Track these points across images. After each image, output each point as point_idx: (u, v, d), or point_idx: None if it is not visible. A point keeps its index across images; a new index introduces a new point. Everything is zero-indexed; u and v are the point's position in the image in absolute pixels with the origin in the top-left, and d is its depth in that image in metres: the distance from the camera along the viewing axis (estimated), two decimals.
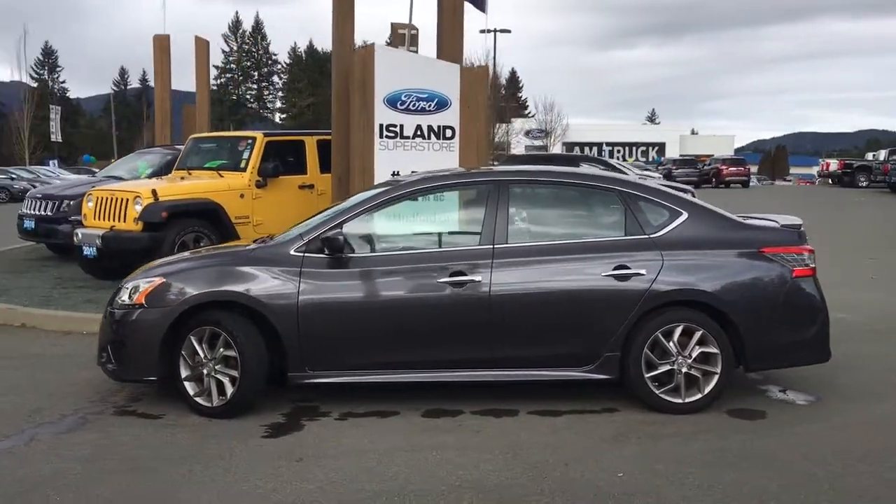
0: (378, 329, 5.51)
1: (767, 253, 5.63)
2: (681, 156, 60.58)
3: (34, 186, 20.04)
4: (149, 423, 5.39)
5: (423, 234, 6.03)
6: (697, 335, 5.48)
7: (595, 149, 72.80)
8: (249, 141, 10.90)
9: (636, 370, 5.49)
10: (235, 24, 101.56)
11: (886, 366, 6.78)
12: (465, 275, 5.48)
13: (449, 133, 9.41)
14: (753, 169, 66.34)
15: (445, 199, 6.14)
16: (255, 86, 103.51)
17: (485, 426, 5.31)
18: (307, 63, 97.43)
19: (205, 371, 5.49)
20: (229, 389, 5.43)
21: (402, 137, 9.29)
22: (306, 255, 5.54)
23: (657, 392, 5.50)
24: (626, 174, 17.75)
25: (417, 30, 11.02)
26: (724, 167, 45.70)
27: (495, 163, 25.95)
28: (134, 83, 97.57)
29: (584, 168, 15.76)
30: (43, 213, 12.52)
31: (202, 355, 5.49)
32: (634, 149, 77.96)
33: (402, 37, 10.69)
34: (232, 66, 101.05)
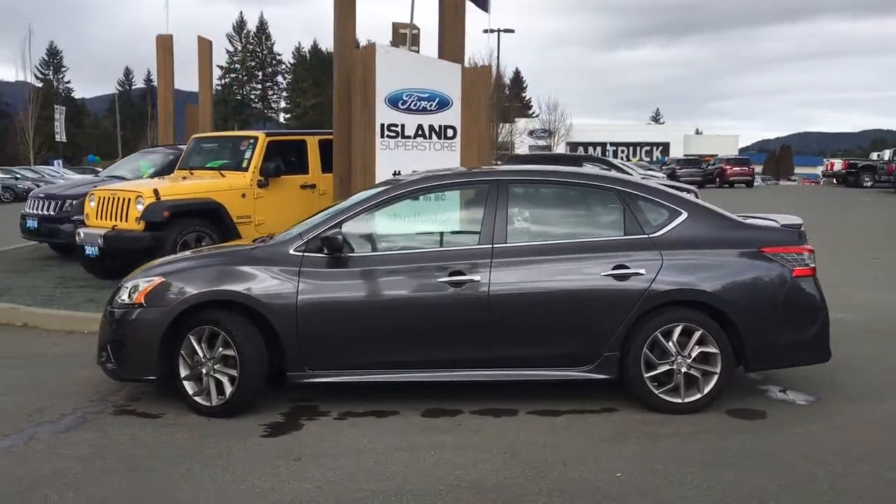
0: (377, 328, 5.51)
1: (767, 253, 5.62)
2: (685, 156, 60.51)
3: (38, 186, 20.09)
4: (148, 423, 5.40)
5: (423, 234, 6.02)
6: (697, 335, 5.47)
7: (599, 149, 72.76)
8: (251, 141, 10.91)
9: (635, 370, 5.49)
10: (240, 25, 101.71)
11: (887, 366, 6.76)
12: (465, 274, 5.47)
13: (450, 133, 9.41)
14: (758, 169, 66.31)
15: (445, 199, 6.14)
16: (259, 86, 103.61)
17: (484, 426, 5.30)
18: (311, 63, 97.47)
19: (204, 370, 5.49)
20: (228, 389, 5.43)
21: (404, 137, 9.28)
22: (305, 254, 5.54)
23: (656, 392, 5.49)
24: (629, 174, 17.79)
25: (419, 29, 11.01)
26: (728, 167, 45.68)
27: (498, 162, 25.96)
28: (139, 83, 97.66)
29: (584, 168, 15.71)
30: (45, 212, 12.56)
31: (201, 355, 5.49)
32: (638, 149, 77.92)
33: (404, 36, 10.70)
34: (236, 66, 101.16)
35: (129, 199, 9.97)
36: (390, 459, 4.71)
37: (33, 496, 4.23)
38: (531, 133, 66.48)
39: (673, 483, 4.35)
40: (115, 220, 10.07)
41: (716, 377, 5.49)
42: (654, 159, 67.61)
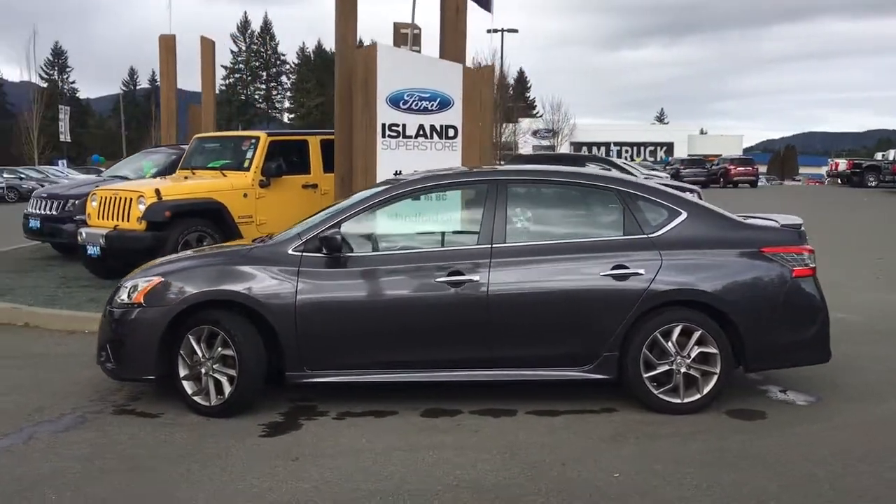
0: (376, 328, 5.51)
1: (767, 253, 5.61)
2: (689, 156, 60.45)
3: (42, 186, 20.13)
4: (147, 422, 5.40)
5: (422, 234, 6.01)
6: (696, 335, 5.46)
7: (603, 149, 72.75)
8: (253, 141, 10.91)
9: (635, 370, 5.48)
10: (244, 25, 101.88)
11: (888, 366, 6.74)
12: (463, 274, 5.47)
13: (451, 132, 9.40)
14: (762, 169, 66.16)
15: (444, 199, 6.13)
16: (263, 86, 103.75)
17: (483, 426, 5.29)
18: (315, 63, 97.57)
19: (203, 370, 5.49)
20: (227, 389, 5.43)
21: (405, 137, 9.28)
22: (304, 254, 5.54)
23: (656, 392, 5.48)
24: (633, 174, 17.77)
25: (420, 29, 11.01)
26: (732, 167, 45.63)
27: (501, 162, 25.96)
28: (143, 83, 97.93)
29: (583, 167, 15.69)
30: (48, 212, 12.58)
31: (200, 354, 5.49)
32: (642, 149, 77.89)
33: (405, 36, 10.69)
34: (241, 66, 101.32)
35: (131, 199, 9.98)
36: (388, 459, 4.71)
37: (32, 495, 4.23)
38: (535, 133, 66.54)
39: (671, 483, 4.34)
40: (117, 219, 10.08)
41: (715, 377, 5.48)
42: (658, 159, 67.55)
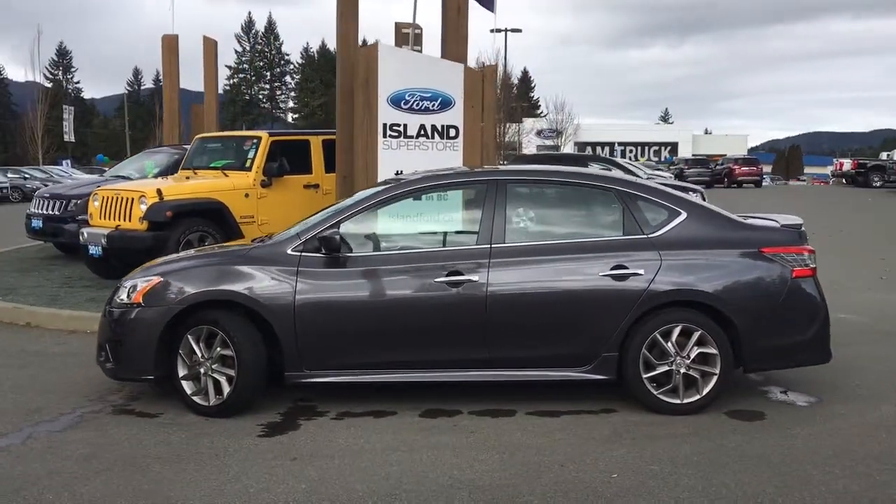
0: (375, 329, 5.50)
1: (767, 253, 5.59)
2: (693, 155, 60.39)
3: (46, 186, 20.16)
4: (146, 422, 5.40)
5: (421, 234, 6.00)
6: (696, 335, 5.45)
7: (607, 148, 72.72)
8: (254, 141, 10.92)
9: (634, 371, 5.46)
10: (248, 25, 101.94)
11: (889, 367, 6.72)
12: (462, 274, 5.46)
13: (453, 132, 9.38)
14: (767, 169, 66.09)
15: (443, 199, 6.12)
16: (267, 86, 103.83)
17: (481, 426, 5.29)
18: (319, 63, 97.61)
19: (202, 370, 5.49)
20: (226, 389, 5.43)
21: (406, 137, 9.27)
22: (303, 254, 5.54)
23: (655, 393, 5.47)
24: (636, 174, 17.74)
25: (421, 29, 11.00)
26: (736, 167, 45.56)
27: (504, 162, 25.94)
28: (148, 83, 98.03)
29: (583, 167, 15.70)
30: (50, 212, 12.60)
31: (199, 354, 5.49)
32: (647, 148, 77.81)
33: (406, 36, 10.68)
34: (245, 66, 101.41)
35: (133, 199, 9.99)
36: (386, 460, 4.70)
37: (29, 495, 4.23)
38: (539, 133, 66.46)
39: (668, 484, 4.33)
40: (119, 219, 10.09)
41: (715, 378, 5.46)
42: (662, 159, 67.47)
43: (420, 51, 10.79)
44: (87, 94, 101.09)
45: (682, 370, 5.45)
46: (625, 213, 5.70)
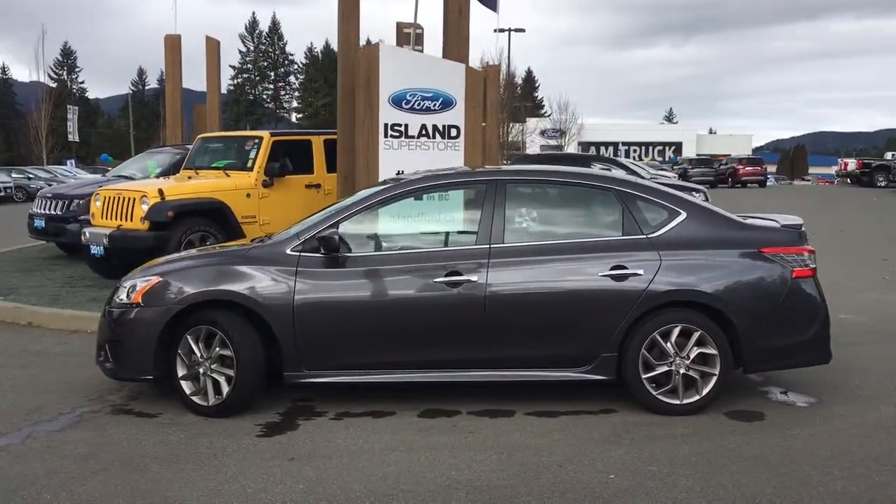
0: (374, 329, 5.50)
1: (767, 253, 5.58)
2: (697, 155, 60.32)
3: (50, 186, 20.21)
4: (145, 422, 5.41)
5: (420, 234, 6.00)
6: (695, 336, 5.43)
7: (611, 148, 72.64)
8: (256, 140, 10.92)
9: (633, 371, 5.45)
10: (252, 25, 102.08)
11: (890, 367, 6.69)
12: (462, 274, 5.46)
13: (454, 132, 9.38)
14: (772, 169, 65.97)
15: (443, 199, 6.12)
16: (271, 86, 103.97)
17: (480, 427, 5.28)
18: (323, 63, 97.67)
19: (201, 370, 5.49)
20: (225, 389, 5.43)
21: (407, 137, 9.27)
22: (302, 254, 5.54)
23: (654, 393, 5.46)
24: (640, 174, 17.73)
25: (423, 29, 10.99)
26: (740, 167, 45.50)
27: (507, 162, 25.91)
28: (152, 83, 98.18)
29: (583, 168, 15.71)
30: (52, 212, 12.63)
31: (198, 354, 5.50)
32: (651, 148, 77.69)
33: (408, 36, 10.67)
34: (249, 66, 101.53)
35: (134, 199, 10.00)
36: (384, 460, 4.70)
37: (26, 494, 4.24)
38: (543, 133, 66.40)
39: (666, 485, 4.32)
40: (120, 219, 10.10)
41: (714, 378, 5.45)
42: (666, 159, 67.39)
43: (421, 51, 10.78)
44: (91, 94, 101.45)
45: (682, 370, 5.44)
46: (624, 213, 5.69)
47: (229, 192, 10.35)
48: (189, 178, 11.10)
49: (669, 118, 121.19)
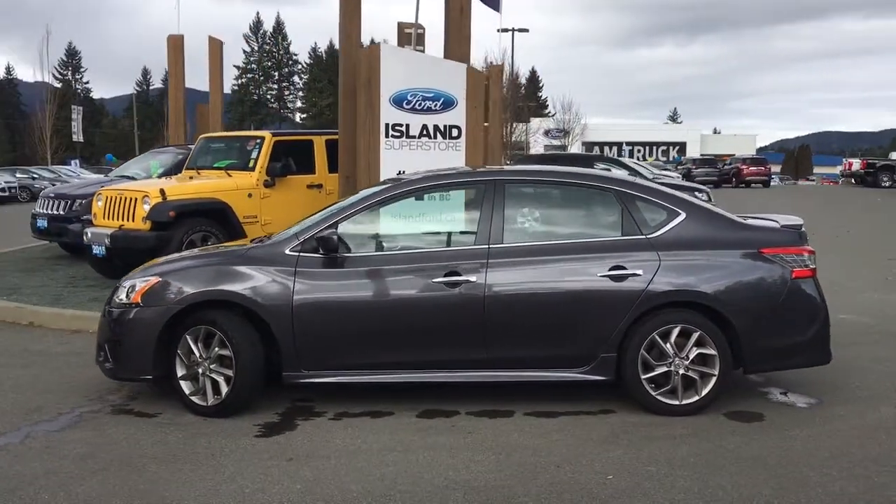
0: (373, 329, 5.50)
1: (767, 253, 5.56)
2: (701, 155, 60.25)
3: (54, 186, 20.23)
4: (144, 422, 5.41)
5: (419, 234, 6.00)
6: (695, 336, 5.42)
7: (615, 148, 72.57)
8: (258, 141, 10.93)
9: (632, 372, 5.44)
10: (256, 25, 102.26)
11: (890, 368, 6.67)
12: (460, 275, 5.45)
13: (455, 132, 9.38)
14: (776, 168, 65.84)
15: (441, 199, 6.12)
16: (275, 86, 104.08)
17: (479, 427, 5.27)
18: (327, 63, 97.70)
19: (200, 370, 5.50)
20: (224, 389, 5.43)
21: (408, 137, 9.27)
22: (301, 254, 5.54)
23: (653, 394, 5.45)
24: (643, 174, 17.70)
25: (424, 29, 10.99)
26: (744, 167, 45.48)
27: (509, 162, 25.90)
28: (157, 83, 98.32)
29: (582, 168, 15.68)
30: (55, 212, 12.65)
31: (198, 354, 5.50)
32: (655, 148, 77.60)
33: (409, 36, 10.68)
34: (253, 66, 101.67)
35: (136, 199, 10.01)
36: (382, 460, 4.70)
37: (24, 494, 4.24)
38: (546, 133, 66.38)
39: (664, 486, 4.31)
40: (122, 219, 10.11)
41: (714, 379, 5.44)
42: (671, 159, 67.32)
43: (423, 51, 10.78)
44: (96, 95, 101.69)
45: (681, 371, 5.43)
46: (623, 213, 5.68)
47: (231, 192, 10.36)
48: (191, 178, 11.12)
49: (674, 118, 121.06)
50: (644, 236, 5.58)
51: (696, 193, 14.99)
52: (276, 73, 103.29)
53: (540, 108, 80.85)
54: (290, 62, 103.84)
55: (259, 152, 10.69)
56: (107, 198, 10.46)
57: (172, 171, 12.86)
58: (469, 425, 5.31)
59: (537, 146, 59.75)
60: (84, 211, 11.66)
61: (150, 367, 5.54)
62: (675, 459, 4.68)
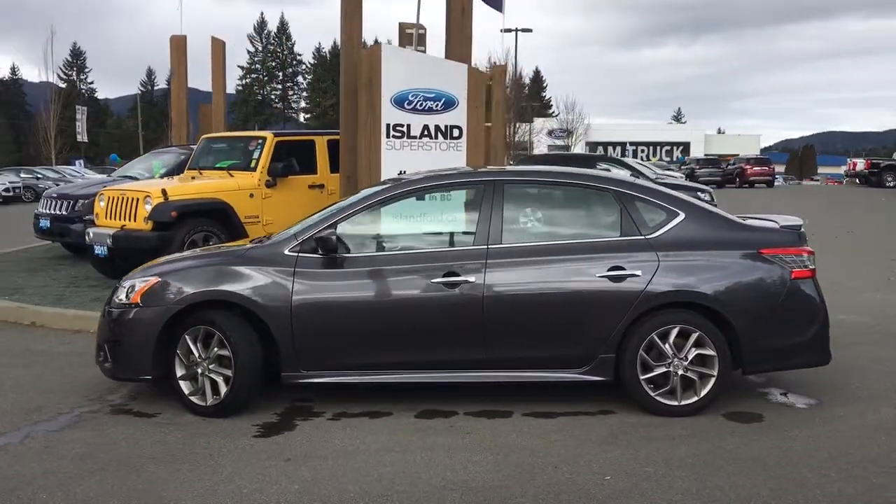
0: (372, 329, 5.50)
1: (766, 254, 5.56)
2: (705, 155, 60.17)
3: (58, 186, 20.27)
4: (143, 422, 5.42)
5: (418, 234, 6.00)
6: (694, 337, 5.42)
7: (619, 148, 72.50)
8: (260, 141, 10.94)
9: (631, 372, 5.44)
10: (260, 25, 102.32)
11: (890, 368, 6.65)
12: (459, 275, 5.45)
13: (456, 133, 9.38)
14: (780, 169, 65.78)
15: (441, 199, 6.12)
16: (279, 86, 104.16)
17: (477, 427, 5.27)
18: (331, 63, 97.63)
19: (199, 370, 5.51)
20: (223, 389, 5.44)
21: (409, 137, 9.27)
22: (300, 254, 5.55)
23: (652, 394, 5.44)
24: (646, 174, 17.69)
25: (425, 29, 11.00)
26: (748, 167, 45.39)
27: (511, 162, 25.88)
28: (161, 83, 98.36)
29: (581, 168, 15.66)
30: (58, 212, 12.68)
31: (197, 354, 5.51)
32: (659, 148, 77.52)
33: (410, 36, 10.69)
34: (257, 66, 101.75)
35: (138, 199, 10.03)
36: (380, 461, 4.70)
37: (22, 494, 4.25)
38: (550, 133, 66.33)
39: (661, 486, 4.31)
40: (124, 219, 10.13)
41: (713, 380, 5.43)
42: (674, 159, 67.24)
43: (424, 51, 10.79)
44: (100, 95, 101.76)
45: (680, 372, 5.42)
46: (622, 213, 5.67)
47: (233, 192, 10.37)
48: (193, 178, 11.14)
49: (678, 118, 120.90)
50: (643, 237, 5.58)
51: (700, 193, 14.98)
52: (280, 74, 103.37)
53: (543, 109, 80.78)
54: (294, 62, 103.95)
55: (261, 152, 10.70)
56: (109, 198, 10.48)
57: (175, 171, 12.88)
58: (467, 426, 5.31)
59: (541, 146, 59.66)
60: (86, 211, 11.68)
61: (149, 367, 5.55)
62: (674, 460, 4.68)
